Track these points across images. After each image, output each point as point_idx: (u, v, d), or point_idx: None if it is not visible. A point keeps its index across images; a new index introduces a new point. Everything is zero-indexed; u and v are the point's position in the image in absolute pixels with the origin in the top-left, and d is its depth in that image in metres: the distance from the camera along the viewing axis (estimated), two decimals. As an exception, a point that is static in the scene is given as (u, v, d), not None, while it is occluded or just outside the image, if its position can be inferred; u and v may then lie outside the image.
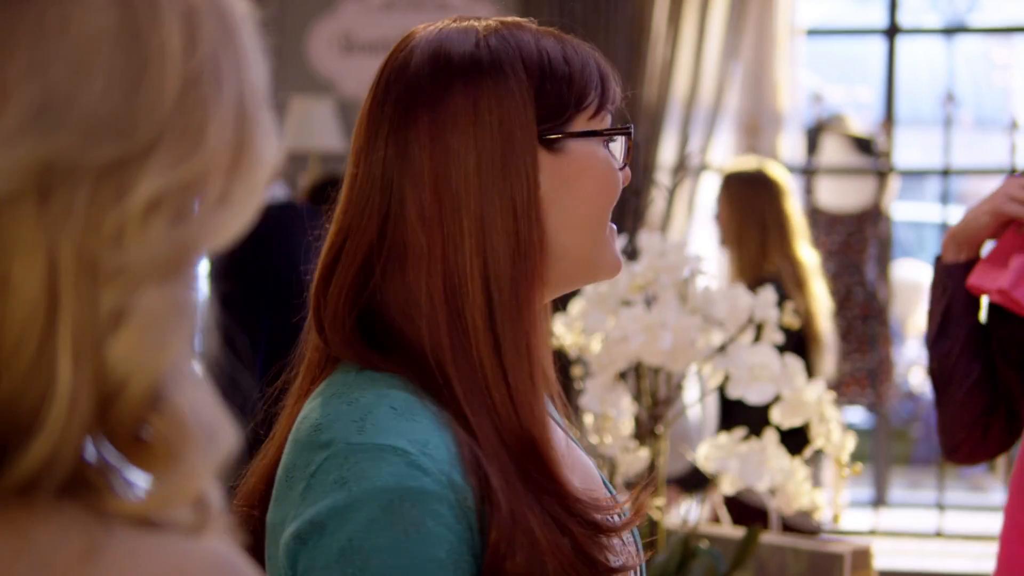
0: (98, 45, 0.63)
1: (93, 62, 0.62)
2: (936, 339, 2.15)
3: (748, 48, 4.89)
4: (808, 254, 3.75)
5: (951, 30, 5.64)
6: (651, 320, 2.18)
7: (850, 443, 2.20)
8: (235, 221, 0.68)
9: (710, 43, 4.87)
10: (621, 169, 1.24)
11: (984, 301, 2.11)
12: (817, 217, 5.02)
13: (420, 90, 1.17)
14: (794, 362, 2.20)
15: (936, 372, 2.16)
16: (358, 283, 1.17)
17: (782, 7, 4.89)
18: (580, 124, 1.21)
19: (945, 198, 5.33)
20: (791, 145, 4.90)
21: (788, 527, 2.99)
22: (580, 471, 1.25)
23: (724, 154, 4.82)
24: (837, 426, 2.20)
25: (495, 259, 1.15)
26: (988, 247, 2.09)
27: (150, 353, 0.62)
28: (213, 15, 0.67)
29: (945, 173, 4.77)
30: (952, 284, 2.11)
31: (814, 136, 5.05)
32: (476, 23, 1.22)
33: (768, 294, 2.29)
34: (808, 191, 4.98)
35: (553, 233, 1.19)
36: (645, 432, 2.27)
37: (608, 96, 1.23)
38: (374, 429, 1.09)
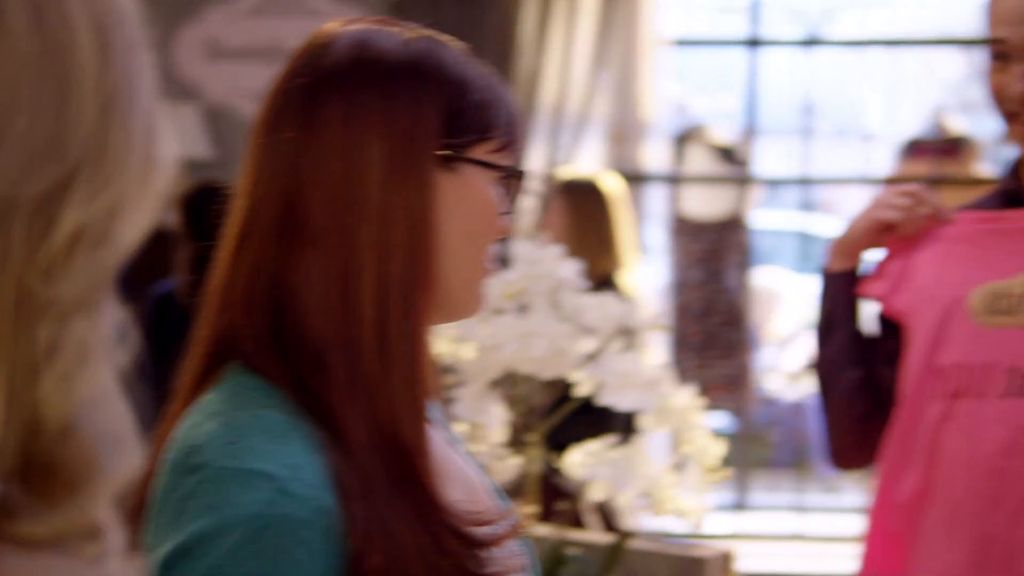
0: (24, 74, 0.61)
1: (21, 92, 0.61)
2: (820, 345, 2.20)
3: (615, 58, 4.94)
4: (638, 266, 3.83)
5: (809, 42, 5.78)
6: (524, 328, 2.20)
7: (718, 449, 2.24)
8: (139, 234, 0.67)
9: (578, 52, 4.91)
10: (502, 215, 1.24)
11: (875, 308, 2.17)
12: (682, 225, 5.10)
13: (337, 78, 1.18)
14: (663, 369, 2.24)
15: (819, 378, 2.22)
16: (265, 260, 1.17)
17: (648, 18, 4.95)
18: (479, 154, 1.21)
19: (805, 206, 5.46)
20: (657, 154, 4.96)
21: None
22: (460, 481, 1.25)
23: (591, 162, 4.86)
24: (704, 432, 2.24)
25: (392, 257, 1.16)
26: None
27: (76, 386, 0.61)
28: (119, 29, 0.66)
29: (804, 182, 4.88)
30: (834, 292, 2.17)
31: (679, 145, 5.13)
32: (400, 28, 1.23)
33: (639, 301, 2.33)
34: (673, 200, 5.05)
35: (441, 255, 1.19)
36: (517, 440, 2.29)
37: (513, 141, 1.24)
38: (246, 453, 1.08)
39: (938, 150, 4.65)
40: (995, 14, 2.03)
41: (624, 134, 4.73)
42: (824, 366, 2.20)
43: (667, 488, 2.20)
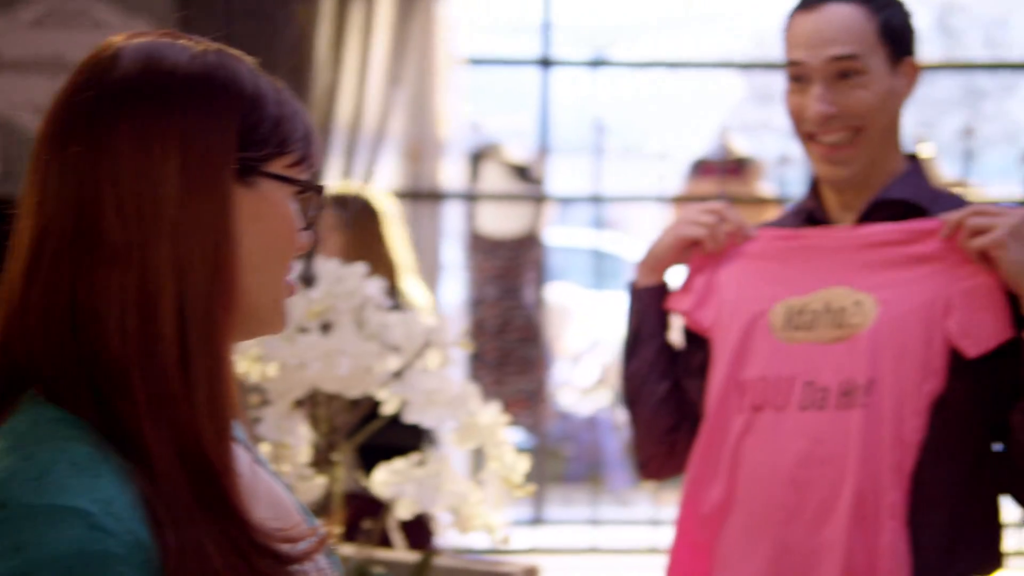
0: None
1: None
2: (628, 360, 2.24)
3: (411, 76, 4.95)
4: (412, 283, 3.85)
5: (597, 63, 5.88)
6: (329, 346, 2.18)
7: (523, 465, 2.25)
8: None
9: (373, 70, 4.90)
10: (302, 230, 1.23)
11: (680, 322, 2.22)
12: (478, 243, 5.13)
13: (128, 92, 1.14)
14: (469, 386, 2.24)
15: (627, 391, 2.26)
16: (61, 281, 1.12)
17: (443, 36, 4.97)
18: (277, 168, 1.19)
19: (596, 223, 5.55)
20: (452, 172, 4.98)
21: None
22: (267, 499, 1.23)
23: (387, 180, 4.85)
24: (510, 449, 2.25)
25: (192, 273, 1.13)
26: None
27: None
28: None
29: (595, 200, 4.97)
30: (641, 307, 2.22)
31: (474, 163, 5.16)
32: (189, 41, 1.20)
33: (442, 319, 2.33)
34: (469, 217, 5.08)
35: (244, 270, 1.17)
36: (322, 459, 2.26)
37: (310, 155, 1.23)
38: (54, 488, 1.04)
39: (723, 169, 4.80)
40: (792, 38, 2.11)
41: (420, 152, 4.74)
42: (632, 379, 2.24)
43: (474, 505, 2.21)
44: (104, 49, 1.18)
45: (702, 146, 6.37)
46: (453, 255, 5.20)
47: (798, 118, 2.11)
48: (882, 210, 2.11)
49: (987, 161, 4.58)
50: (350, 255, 3.75)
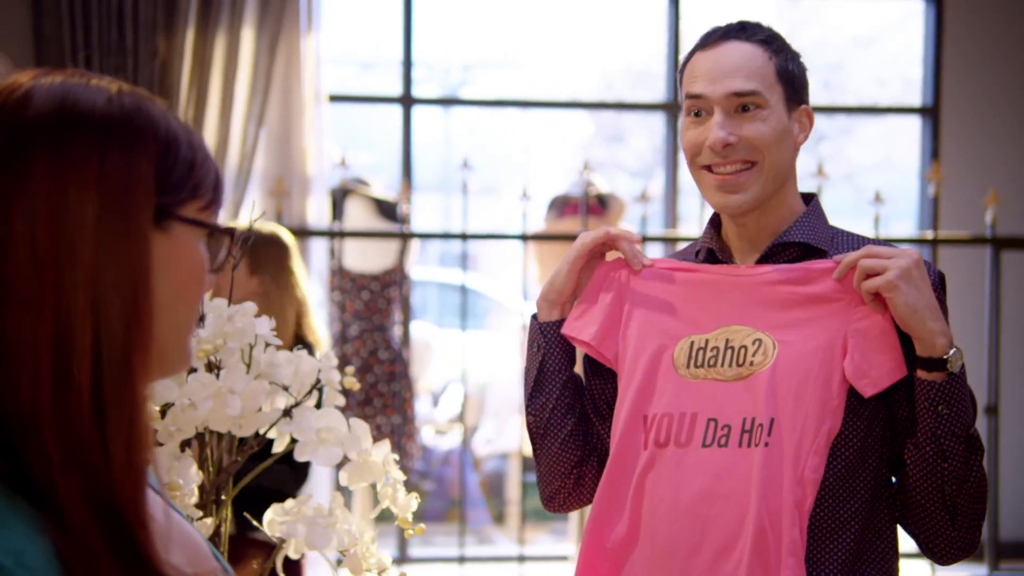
0: None
1: None
2: (532, 395, 2.25)
3: (274, 112, 4.93)
4: (318, 321, 3.84)
5: (456, 101, 5.92)
6: (220, 386, 2.15)
7: (414, 503, 2.25)
8: None
9: (237, 106, 4.87)
10: (213, 272, 1.23)
11: (580, 353, 2.24)
12: (342, 279, 5.10)
13: (40, 133, 1.12)
14: (360, 424, 2.24)
15: (533, 426, 2.27)
16: None
17: (305, 75, 4.96)
18: (190, 212, 1.19)
19: (455, 260, 5.57)
20: (317, 208, 4.96)
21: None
22: (181, 543, 1.22)
23: (251, 217, 4.81)
24: (402, 487, 2.25)
25: (108, 318, 1.11)
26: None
27: None
28: None
29: (459, 237, 4.99)
30: (545, 342, 2.23)
31: (339, 199, 5.15)
32: (102, 82, 1.18)
33: (331, 357, 2.32)
34: (334, 254, 5.06)
35: (157, 314, 1.17)
36: (209, 500, 2.23)
37: (219, 197, 1.23)
38: None
39: (586, 207, 4.86)
40: (691, 74, 2.18)
41: (284, 189, 4.71)
42: (538, 415, 2.26)
43: (367, 545, 2.20)
44: (12, 88, 1.15)
45: (552, 184, 6.45)
46: (319, 292, 5.17)
47: (695, 151, 2.17)
48: (782, 252, 2.18)
49: (828, 201, 4.73)
50: (264, 292, 3.71)
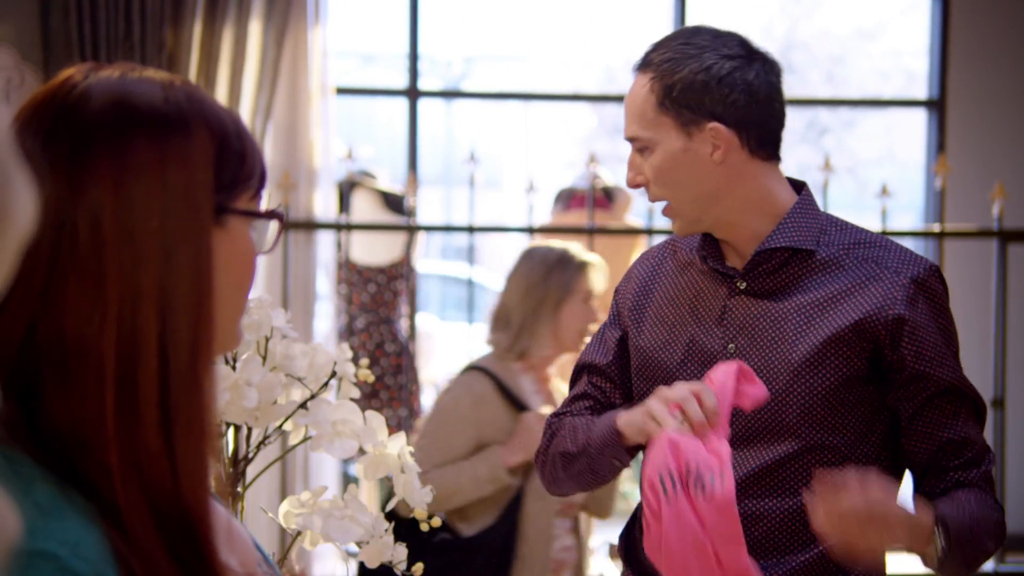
0: None
1: None
2: (571, 461, 2.28)
3: (281, 105, 4.93)
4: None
5: (455, 94, 5.93)
6: (236, 378, 2.16)
7: (430, 496, 2.26)
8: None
9: (244, 99, 4.87)
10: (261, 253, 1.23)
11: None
12: (349, 272, 5.10)
13: (100, 133, 1.11)
14: (376, 417, 2.24)
15: (564, 471, 2.32)
16: (19, 328, 1.07)
17: (312, 67, 4.96)
18: (242, 203, 1.19)
19: (460, 253, 5.57)
20: (324, 200, 4.97)
21: None
22: (240, 548, 1.22)
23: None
24: (417, 479, 2.25)
25: (175, 323, 1.10)
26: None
27: None
28: None
29: (465, 230, 5.00)
30: (609, 451, 2.18)
31: (345, 193, 5.15)
32: (155, 75, 1.17)
33: (345, 350, 2.33)
34: (341, 246, 5.06)
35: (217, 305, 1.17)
36: (226, 493, 2.24)
37: (264, 181, 1.22)
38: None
39: (593, 200, 4.86)
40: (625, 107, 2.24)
41: (291, 182, 4.71)
42: (569, 471, 2.31)
43: (383, 538, 2.21)
44: (67, 85, 1.14)
45: (555, 177, 6.45)
46: (325, 285, 5.17)
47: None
48: (768, 259, 2.20)
49: (832, 194, 4.73)
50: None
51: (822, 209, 2.29)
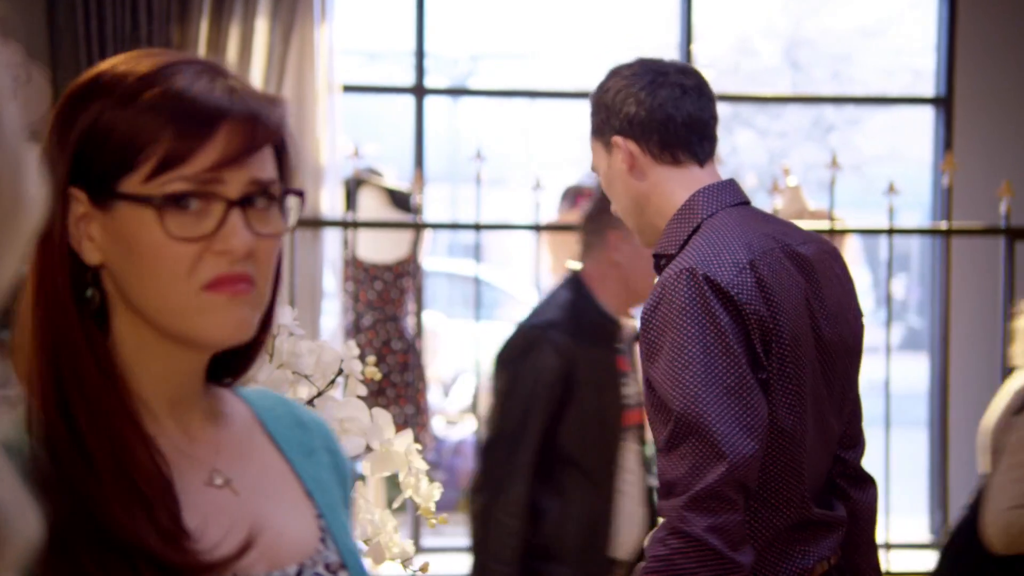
0: None
1: None
2: None
3: (288, 102, 4.93)
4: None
5: (465, 91, 5.93)
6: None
7: (437, 493, 2.26)
8: (9, 283, 0.63)
9: (251, 95, 4.87)
10: (197, 239, 1.18)
11: None
12: (355, 269, 5.10)
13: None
14: (382, 414, 2.24)
15: None
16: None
17: (319, 64, 4.96)
18: (132, 185, 1.17)
19: (466, 251, 5.57)
20: (330, 198, 4.97)
21: None
22: (271, 544, 1.23)
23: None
24: (424, 477, 2.25)
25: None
26: None
27: None
28: (7, 89, 0.62)
29: (472, 227, 4.99)
30: None
31: (351, 190, 5.15)
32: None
33: (352, 347, 2.33)
34: (347, 244, 5.06)
35: (132, 293, 1.19)
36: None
37: (178, 157, 1.17)
38: None
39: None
40: None
41: (297, 179, 4.71)
42: None
43: (390, 534, 2.21)
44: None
45: (561, 175, 6.45)
46: (332, 282, 5.17)
47: None
48: (659, 264, 2.34)
49: (838, 192, 4.73)
50: None
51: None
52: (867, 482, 2.43)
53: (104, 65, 1.21)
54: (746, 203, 2.33)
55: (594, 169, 2.42)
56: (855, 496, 2.40)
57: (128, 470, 1.16)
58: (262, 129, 1.19)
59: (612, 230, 3.44)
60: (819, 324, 2.24)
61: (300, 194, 1.24)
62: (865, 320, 2.43)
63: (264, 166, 1.21)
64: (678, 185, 2.31)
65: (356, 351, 2.32)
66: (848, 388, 2.34)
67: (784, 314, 2.16)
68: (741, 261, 2.15)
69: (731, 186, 2.33)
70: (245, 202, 1.19)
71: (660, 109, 2.32)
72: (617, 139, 2.33)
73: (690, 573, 2.06)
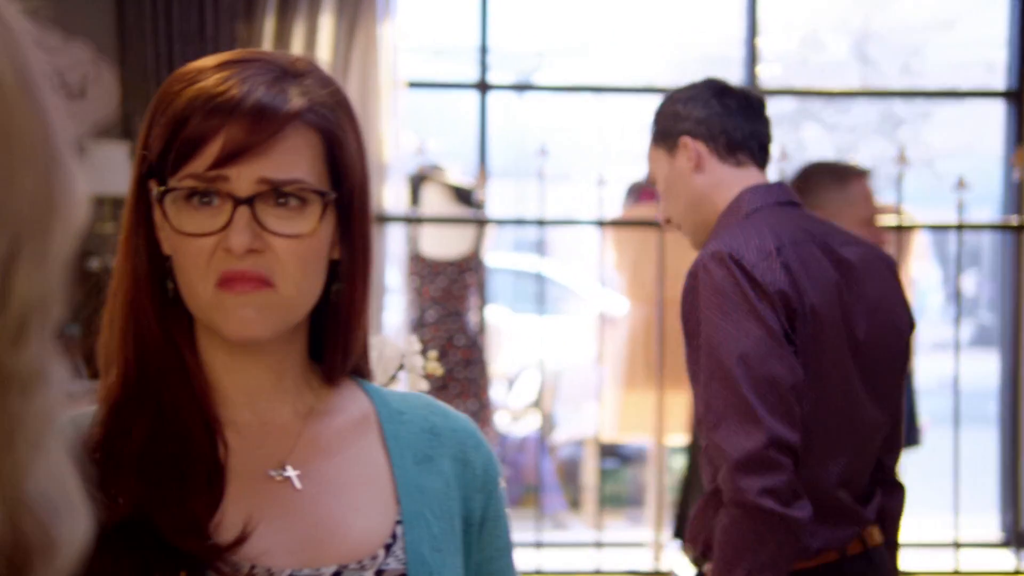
0: None
1: None
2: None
3: (352, 98, 4.94)
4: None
5: (527, 87, 5.92)
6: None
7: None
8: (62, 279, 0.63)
9: (315, 92, 4.89)
10: (203, 235, 1.19)
11: None
12: (420, 265, 5.12)
13: None
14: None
15: None
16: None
17: (383, 60, 4.98)
18: (175, 180, 1.20)
19: (531, 246, 5.56)
20: (394, 194, 4.98)
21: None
22: (318, 540, 1.23)
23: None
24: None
25: None
26: None
27: (41, 455, 0.57)
28: (39, 78, 0.62)
29: (536, 223, 4.98)
30: None
31: (415, 186, 5.16)
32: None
33: (414, 342, 2.33)
34: (411, 240, 5.08)
35: (178, 285, 1.22)
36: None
37: (186, 154, 1.19)
38: None
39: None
40: None
41: (362, 174, 4.72)
42: None
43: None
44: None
45: (627, 170, 6.42)
46: (395, 278, 5.19)
47: None
48: None
49: (907, 188, 4.67)
50: None
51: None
52: (897, 488, 2.50)
53: (190, 64, 1.23)
54: (794, 204, 2.47)
55: (651, 180, 2.58)
56: (883, 501, 2.46)
57: (182, 454, 1.18)
58: (266, 126, 1.19)
59: None
60: (853, 320, 2.35)
61: (322, 194, 1.22)
62: (915, 332, 2.53)
63: (281, 165, 1.20)
64: (736, 185, 2.47)
65: (417, 346, 2.32)
66: (891, 390, 2.42)
67: (809, 297, 2.29)
68: (768, 247, 2.30)
69: (780, 187, 2.51)
70: (254, 199, 1.19)
71: (728, 115, 2.49)
72: (686, 139, 2.48)
73: (755, 536, 2.18)
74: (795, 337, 2.27)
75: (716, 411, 2.24)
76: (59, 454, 0.61)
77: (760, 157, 2.52)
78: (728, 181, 2.47)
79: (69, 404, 0.62)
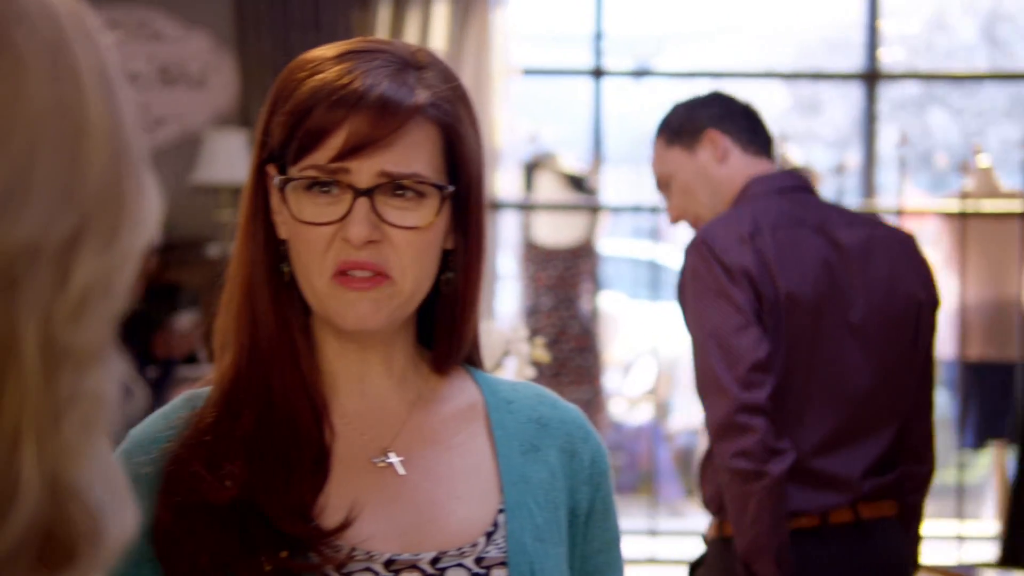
0: (43, 121, 0.59)
1: (41, 140, 0.58)
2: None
3: (466, 85, 4.96)
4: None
5: (644, 73, 5.88)
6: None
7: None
8: (132, 281, 0.64)
9: (429, 80, 4.91)
10: (323, 224, 1.20)
11: None
12: (533, 252, 5.12)
13: None
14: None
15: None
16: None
17: (497, 48, 4.99)
18: (295, 170, 1.21)
19: (644, 233, 5.53)
20: (508, 182, 4.99)
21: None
22: (417, 525, 1.23)
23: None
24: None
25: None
26: None
27: (91, 438, 0.58)
28: (113, 70, 0.63)
29: (651, 210, 4.95)
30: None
31: (529, 173, 5.17)
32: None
33: (520, 328, 2.33)
34: (524, 227, 5.08)
35: (295, 271, 1.24)
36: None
37: (309, 145, 1.20)
38: None
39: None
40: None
41: (476, 161, 4.74)
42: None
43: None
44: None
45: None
46: (509, 265, 5.20)
47: None
48: None
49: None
50: None
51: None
52: (920, 463, 2.52)
53: (308, 53, 1.24)
54: (801, 189, 2.57)
55: (663, 184, 2.63)
56: (901, 476, 2.50)
57: (289, 439, 1.20)
58: (389, 120, 1.19)
59: None
60: (848, 299, 2.45)
61: (440, 187, 1.22)
62: (938, 308, 2.59)
63: (401, 158, 1.20)
64: (754, 173, 2.57)
65: (524, 333, 2.32)
66: (900, 364, 2.49)
67: (782, 279, 2.41)
68: (743, 232, 2.43)
69: (788, 175, 2.62)
70: (373, 191, 1.20)
71: (740, 114, 2.62)
72: (712, 132, 2.57)
73: (739, 496, 2.32)
74: (764, 315, 2.40)
75: (697, 384, 2.44)
76: (107, 445, 0.61)
77: (769, 149, 2.65)
78: (746, 170, 2.58)
79: (123, 400, 0.62)
